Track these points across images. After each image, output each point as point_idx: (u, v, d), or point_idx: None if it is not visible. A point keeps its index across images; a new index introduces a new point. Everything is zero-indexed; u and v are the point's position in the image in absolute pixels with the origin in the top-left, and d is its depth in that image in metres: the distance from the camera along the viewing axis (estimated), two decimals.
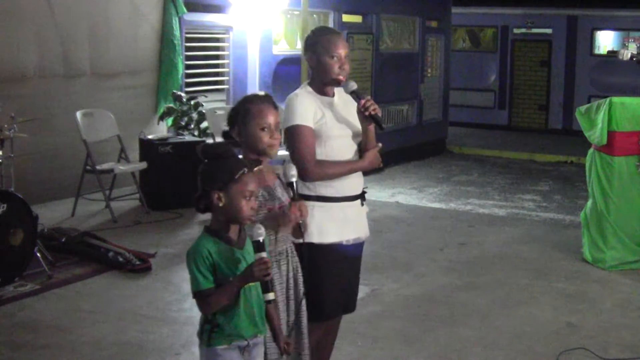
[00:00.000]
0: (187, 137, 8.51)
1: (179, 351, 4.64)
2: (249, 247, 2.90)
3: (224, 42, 9.85)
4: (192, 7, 9.17)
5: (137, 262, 6.13)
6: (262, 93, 3.49)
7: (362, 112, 3.57)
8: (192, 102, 8.86)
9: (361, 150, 3.73)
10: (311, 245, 3.38)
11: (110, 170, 7.78)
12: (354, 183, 3.75)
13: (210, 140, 8.47)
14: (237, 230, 2.89)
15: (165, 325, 5.05)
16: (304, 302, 3.34)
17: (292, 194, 3.17)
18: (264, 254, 2.82)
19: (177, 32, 8.98)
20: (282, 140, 3.34)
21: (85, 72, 8.40)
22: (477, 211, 8.97)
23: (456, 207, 9.17)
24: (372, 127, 3.64)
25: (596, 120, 6.43)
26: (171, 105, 8.88)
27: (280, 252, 3.24)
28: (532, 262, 6.68)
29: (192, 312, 5.14)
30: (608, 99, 6.38)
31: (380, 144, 3.77)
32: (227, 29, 9.70)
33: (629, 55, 6.60)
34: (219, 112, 8.60)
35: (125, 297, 5.58)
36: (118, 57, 8.70)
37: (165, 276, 6.02)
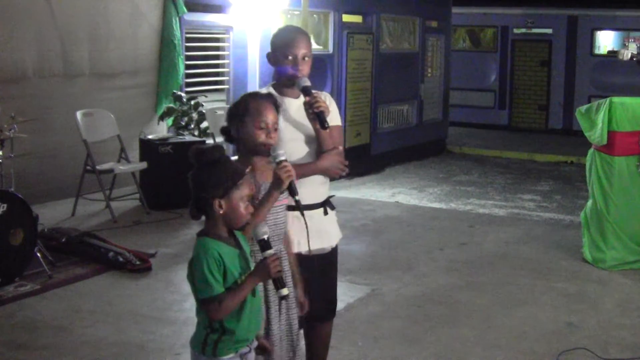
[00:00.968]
0: (187, 137, 8.51)
1: (179, 351, 4.64)
2: (245, 247, 2.89)
3: (224, 42, 9.85)
4: (192, 7, 9.16)
5: (137, 262, 6.13)
6: (264, 91, 3.48)
7: (307, 110, 3.44)
8: (192, 102, 8.86)
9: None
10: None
11: (110, 170, 7.78)
12: (311, 191, 3.53)
13: (210, 141, 8.47)
14: (228, 232, 2.86)
15: (165, 325, 5.05)
16: (294, 305, 3.30)
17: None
18: (271, 251, 2.82)
19: (177, 32, 8.98)
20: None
21: (85, 72, 8.40)
22: (477, 211, 8.97)
23: (456, 207, 9.17)
24: (318, 126, 3.44)
25: (596, 120, 6.44)
26: (171, 105, 8.88)
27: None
28: (532, 262, 6.68)
29: (192, 312, 5.10)
30: (608, 99, 6.38)
31: (340, 148, 3.57)
32: (227, 29, 9.70)
33: (629, 55, 6.61)
34: (219, 112, 8.60)
35: (125, 297, 5.58)
36: (118, 57, 8.70)
37: (165, 276, 6.02)
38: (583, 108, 6.71)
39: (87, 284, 5.84)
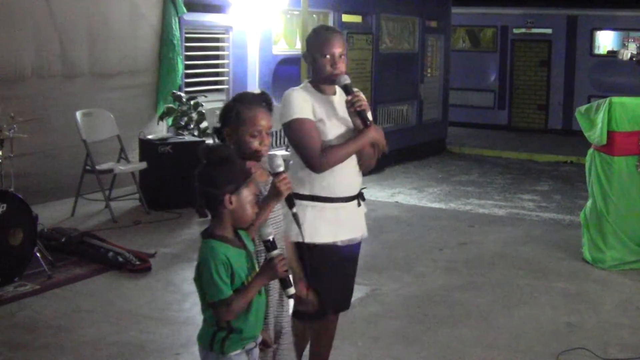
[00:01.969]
0: (187, 137, 8.51)
1: (179, 351, 4.64)
2: (250, 246, 2.90)
3: (223, 42, 9.85)
4: (192, 7, 9.17)
5: (137, 262, 6.13)
6: (257, 91, 3.47)
7: (348, 108, 3.57)
8: (192, 102, 8.86)
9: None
10: (303, 244, 3.36)
11: (110, 170, 7.78)
12: (349, 183, 3.74)
13: (210, 141, 8.47)
14: (233, 232, 2.88)
15: (165, 325, 5.05)
16: (286, 299, 3.27)
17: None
18: (278, 251, 2.84)
19: (176, 32, 8.98)
20: (284, 141, 3.33)
21: (84, 72, 8.39)
22: (477, 211, 8.97)
23: (456, 207, 9.17)
24: (359, 122, 3.61)
25: (596, 120, 6.44)
26: (171, 105, 8.88)
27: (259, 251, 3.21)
28: (532, 262, 6.68)
29: (192, 312, 5.14)
30: (608, 99, 6.38)
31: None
32: (227, 29, 9.71)
33: (629, 55, 6.61)
34: (219, 112, 8.58)
35: (125, 297, 5.58)
36: (117, 57, 8.69)
37: (165, 276, 6.02)
38: (582, 108, 6.71)
39: (87, 284, 5.84)
